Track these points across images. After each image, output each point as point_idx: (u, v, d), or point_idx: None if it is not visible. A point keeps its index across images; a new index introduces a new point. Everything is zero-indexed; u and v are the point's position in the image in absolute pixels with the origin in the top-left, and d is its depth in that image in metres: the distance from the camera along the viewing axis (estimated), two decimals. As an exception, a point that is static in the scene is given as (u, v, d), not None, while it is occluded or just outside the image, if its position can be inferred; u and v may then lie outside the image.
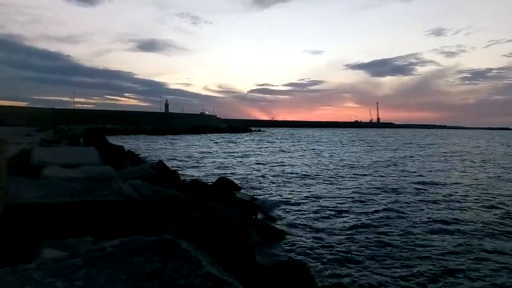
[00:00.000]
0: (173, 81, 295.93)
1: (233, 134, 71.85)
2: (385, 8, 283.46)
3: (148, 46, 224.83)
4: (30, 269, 1.53)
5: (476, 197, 12.29)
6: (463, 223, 8.96)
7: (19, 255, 2.39)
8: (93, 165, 5.47)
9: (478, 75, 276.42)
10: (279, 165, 21.07)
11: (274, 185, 14.25)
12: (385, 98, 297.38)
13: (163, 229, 3.95)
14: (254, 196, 11.72)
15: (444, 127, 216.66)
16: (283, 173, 17.72)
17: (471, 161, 25.53)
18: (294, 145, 42.15)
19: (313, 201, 11.24)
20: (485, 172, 19.56)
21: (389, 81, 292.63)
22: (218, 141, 47.73)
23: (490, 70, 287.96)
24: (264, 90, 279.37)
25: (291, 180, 15.43)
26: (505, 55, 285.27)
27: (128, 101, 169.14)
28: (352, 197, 11.91)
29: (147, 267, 1.41)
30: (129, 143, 35.89)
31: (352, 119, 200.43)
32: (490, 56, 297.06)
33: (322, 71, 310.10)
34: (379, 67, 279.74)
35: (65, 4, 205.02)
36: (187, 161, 22.44)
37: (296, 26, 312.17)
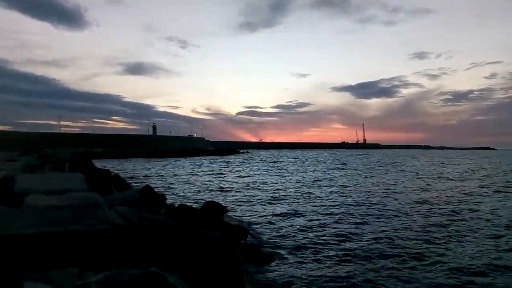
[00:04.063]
0: (161, 104, 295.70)
1: (221, 157, 71.74)
2: (369, 33, 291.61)
3: (137, 69, 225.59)
4: (11, 308, 1.48)
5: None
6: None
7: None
8: (78, 191, 5.38)
9: (460, 96, 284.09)
10: (266, 187, 21.01)
11: (262, 207, 14.17)
12: (371, 119, 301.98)
13: (150, 257, 3.88)
14: (242, 219, 11.62)
15: (429, 147, 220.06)
16: (271, 195, 17.65)
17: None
18: (281, 167, 42.20)
19: (301, 223, 11.18)
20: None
21: (374, 103, 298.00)
22: (205, 163, 47.53)
23: (471, 91, 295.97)
24: (252, 112, 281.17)
25: (279, 202, 15.38)
26: (485, 77, 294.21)
27: (116, 124, 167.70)
28: (341, 219, 11.89)
29: (133, 305, 1.39)
30: (116, 166, 35.45)
31: (339, 140, 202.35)
32: (471, 78, 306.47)
33: (309, 94, 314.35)
34: (364, 89, 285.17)
35: (52, 29, 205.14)
36: (175, 185, 22.22)
37: (283, 50, 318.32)
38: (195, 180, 25.44)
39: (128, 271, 1.69)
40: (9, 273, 2.68)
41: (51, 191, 5.10)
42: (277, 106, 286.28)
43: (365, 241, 9.16)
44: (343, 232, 10.09)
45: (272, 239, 9.34)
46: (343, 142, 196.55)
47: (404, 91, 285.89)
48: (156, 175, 29.16)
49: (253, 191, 19.46)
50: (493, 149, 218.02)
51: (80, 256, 3.04)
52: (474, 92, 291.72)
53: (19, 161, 13.29)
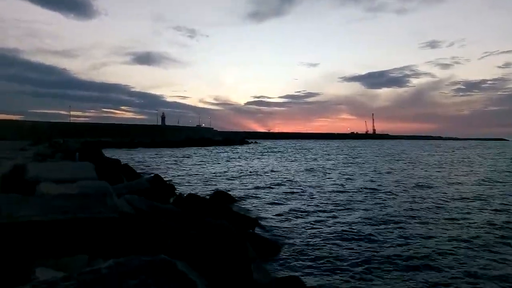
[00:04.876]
0: (170, 94, 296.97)
1: (229, 147, 71.88)
2: (380, 21, 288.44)
3: (145, 59, 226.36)
4: (22, 293, 1.50)
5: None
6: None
7: (13, 276, 2.35)
8: (88, 180, 5.43)
9: (472, 86, 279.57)
10: (274, 177, 21.03)
11: (270, 197, 14.20)
12: (380, 109, 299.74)
13: (159, 246, 3.91)
14: (251, 209, 11.67)
15: (440, 138, 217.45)
16: (280, 185, 17.68)
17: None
18: (290, 157, 42.17)
19: (309, 213, 11.19)
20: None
21: (384, 93, 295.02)
22: (214, 153, 47.69)
23: (484, 81, 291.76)
24: (260, 102, 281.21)
25: (287, 192, 15.38)
26: (499, 67, 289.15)
27: (125, 114, 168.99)
28: (349, 209, 11.87)
29: (142, 291, 1.40)
30: (125, 156, 35.76)
31: (348, 131, 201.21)
32: (484, 67, 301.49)
33: (318, 83, 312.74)
34: (374, 79, 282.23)
35: (62, 18, 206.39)
36: (183, 174, 22.36)
37: (292, 39, 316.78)
38: (203, 169, 25.55)
39: (137, 257, 1.70)
40: (21, 259, 2.72)
41: (61, 180, 5.16)
42: (286, 96, 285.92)
43: (373, 230, 9.13)
44: (351, 222, 10.07)
45: (280, 229, 9.37)
46: (352, 133, 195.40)
47: (415, 81, 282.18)
48: (165, 164, 29.36)
49: (261, 181, 19.49)
50: (506, 140, 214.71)
51: (89, 243, 3.08)
52: (487, 82, 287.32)
53: (30, 150, 13.48)
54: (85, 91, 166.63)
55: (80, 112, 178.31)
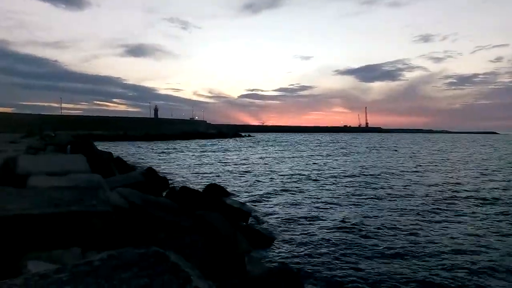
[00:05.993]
0: (163, 86, 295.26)
1: (223, 140, 71.82)
2: (374, 15, 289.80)
3: (137, 51, 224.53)
4: (15, 285, 1.50)
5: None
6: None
7: (5, 269, 2.34)
8: (80, 173, 5.39)
9: (464, 80, 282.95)
10: (267, 170, 21.07)
11: (263, 189, 14.25)
12: (373, 103, 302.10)
13: (152, 239, 3.91)
14: (244, 202, 11.70)
15: (431, 131, 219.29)
16: (273, 178, 17.73)
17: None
18: (282, 150, 42.26)
19: (303, 206, 11.26)
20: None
21: (377, 87, 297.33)
22: (207, 146, 47.61)
23: (476, 75, 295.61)
24: (254, 95, 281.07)
25: (280, 185, 15.44)
26: (491, 61, 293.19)
27: (117, 107, 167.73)
28: (341, 202, 11.96)
29: (135, 282, 1.40)
30: (118, 149, 35.56)
31: (341, 124, 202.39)
32: (476, 61, 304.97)
33: (311, 77, 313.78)
34: (367, 73, 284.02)
35: (52, 9, 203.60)
36: (177, 167, 22.31)
37: (286, 32, 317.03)
38: (197, 162, 25.52)
39: (130, 250, 1.70)
40: (13, 252, 2.70)
41: (53, 173, 5.11)
42: (280, 89, 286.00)
43: (366, 221, 9.22)
44: (343, 215, 10.15)
45: (273, 220, 9.42)
46: (345, 126, 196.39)
47: (408, 75, 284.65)
48: (158, 157, 29.25)
49: (255, 173, 19.53)
50: (496, 133, 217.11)
51: (82, 237, 3.07)
52: (479, 76, 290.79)
53: (21, 143, 13.34)
54: (76, 84, 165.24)
55: (72, 105, 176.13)
